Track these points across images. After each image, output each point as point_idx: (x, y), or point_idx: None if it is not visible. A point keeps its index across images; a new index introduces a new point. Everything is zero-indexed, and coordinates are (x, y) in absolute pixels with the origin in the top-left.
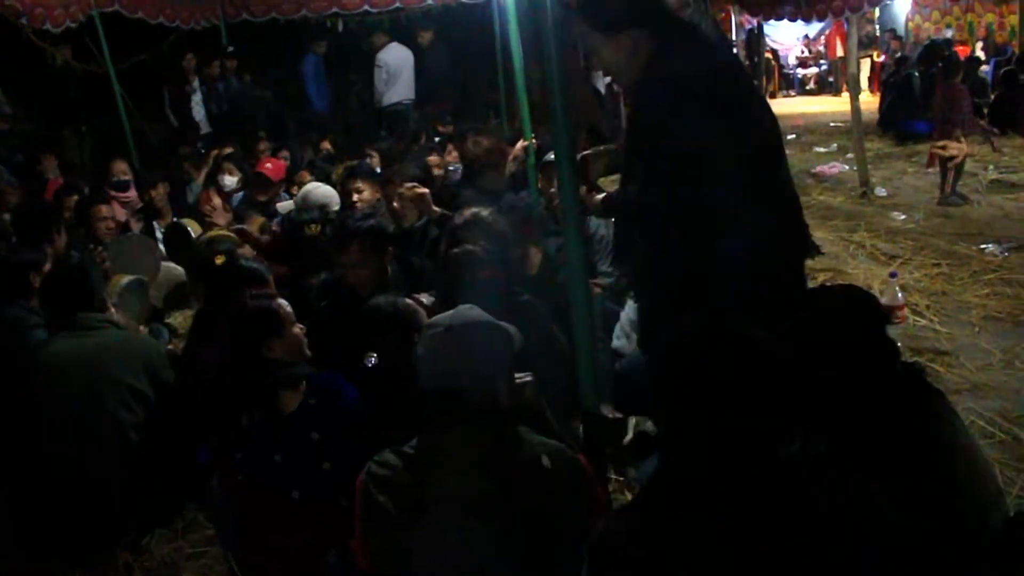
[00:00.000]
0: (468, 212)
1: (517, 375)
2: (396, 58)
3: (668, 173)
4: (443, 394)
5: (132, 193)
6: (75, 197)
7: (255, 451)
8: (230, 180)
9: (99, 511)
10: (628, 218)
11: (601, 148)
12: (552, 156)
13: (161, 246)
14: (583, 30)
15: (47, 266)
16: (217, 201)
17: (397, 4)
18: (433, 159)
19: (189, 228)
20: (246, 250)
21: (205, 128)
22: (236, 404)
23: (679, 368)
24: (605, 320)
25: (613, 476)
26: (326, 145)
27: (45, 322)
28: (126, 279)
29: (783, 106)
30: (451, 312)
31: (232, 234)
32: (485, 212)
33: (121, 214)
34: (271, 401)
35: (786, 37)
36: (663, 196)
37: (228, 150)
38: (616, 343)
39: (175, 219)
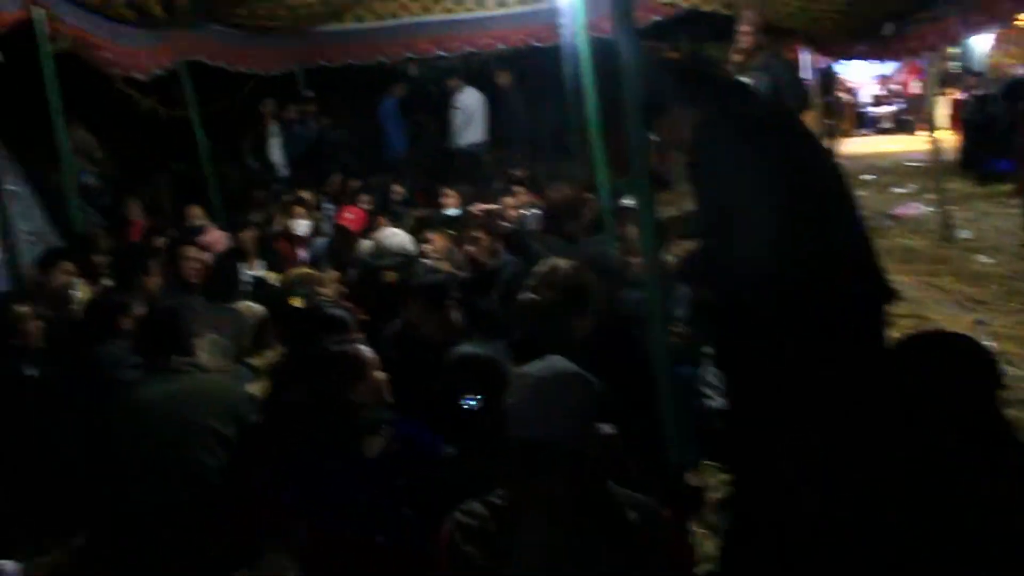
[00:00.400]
0: (548, 264)
1: (603, 426)
2: (471, 101)
3: (722, 227)
4: (530, 445)
5: (210, 237)
6: (163, 239)
7: (339, 495)
8: (302, 224)
9: (181, 553)
10: (700, 279)
11: (678, 214)
12: (626, 201)
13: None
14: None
15: (137, 307)
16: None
17: (470, 48)
18: (508, 201)
19: (269, 279)
20: (328, 289)
21: (283, 171)
22: (321, 448)
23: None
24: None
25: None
26: (399, 189)
27: (135, 363)
28: (210, 336)
29: (857, 146)
30: (540, 362)
31: (312, 272)
32: (563, 264)
33: (206, 257)
34: (356, 445)
35: (860, 75)
36: (722, 252)
37: (303, 194)
38: (709, 403)
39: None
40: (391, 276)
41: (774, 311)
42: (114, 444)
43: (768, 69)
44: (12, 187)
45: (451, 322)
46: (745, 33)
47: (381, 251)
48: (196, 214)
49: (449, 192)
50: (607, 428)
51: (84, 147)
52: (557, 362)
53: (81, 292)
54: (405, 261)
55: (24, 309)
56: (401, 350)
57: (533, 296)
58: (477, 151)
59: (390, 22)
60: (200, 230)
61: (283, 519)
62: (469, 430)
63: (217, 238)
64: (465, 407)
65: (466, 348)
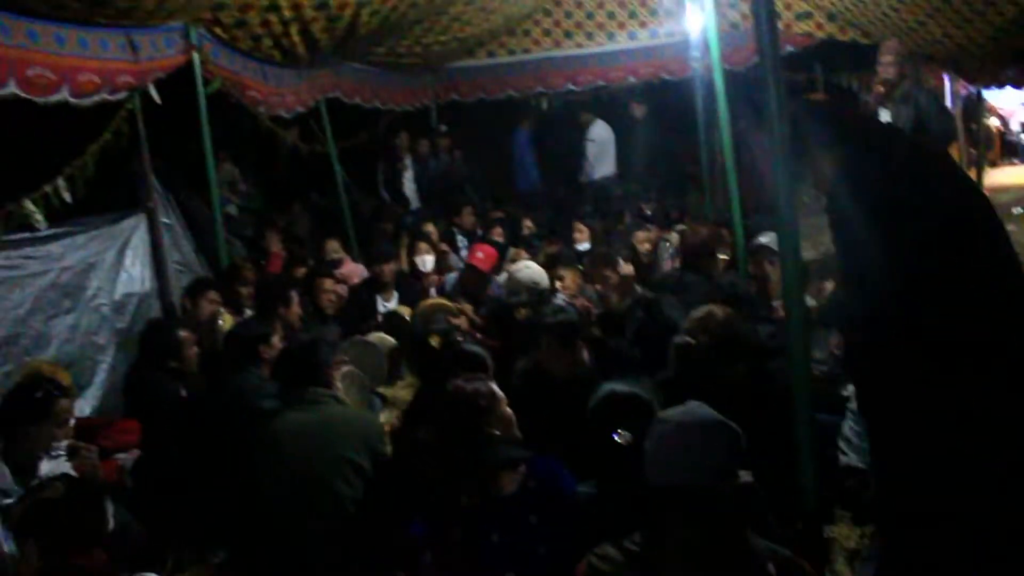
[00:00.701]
0: (704, 309)
1: (743, 474)
2: (604, 134)
3: (864, 271)
4: (668, 491)
5: (346, 269)
6: (302, 269)
7: (473, 530)
8: (428, 261)
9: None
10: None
11: (816, 255)
12: (763, 240)
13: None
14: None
15: (276, 337)
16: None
17: (600, 82)
18: (640, 235)
19: (406, 315)
20: (462, 320)
21: (415, 203)
22: (454, 482)
23: None
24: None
25: None
26: (528, 223)
27: (274, 393)
28: (345, 368)
29: (1006, 176)
30: (681, 408)
31: (447, 303)
32: (719, 311)
33: (341, 288)
34: (491, 482)
35: (1008, 102)
36: (865, 296)
37: (428, 228)
38: (843, 459)
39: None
40: (523, 313)
41: (922, 357)
42: (255, 469)
43: (911, 99)
44: (165, 220)
45: (580, 361)
46: (888, 63)
47: (513, 286)
48: (333, 247)
49: (581, 227)
50: (747, 476)
51: (229, 179)
52: (698, 409)
53: (225, 321)
54: (537, 297)
55: (185, 334)
56: (532, 386)
57: (689, 340)
58: (607, 184)
59: (522, 57)
60: (338, 263)
61: (412, 552)
62: (613, 468)
63: (353, 270)
64: (616, 441)
65: (617, 385)
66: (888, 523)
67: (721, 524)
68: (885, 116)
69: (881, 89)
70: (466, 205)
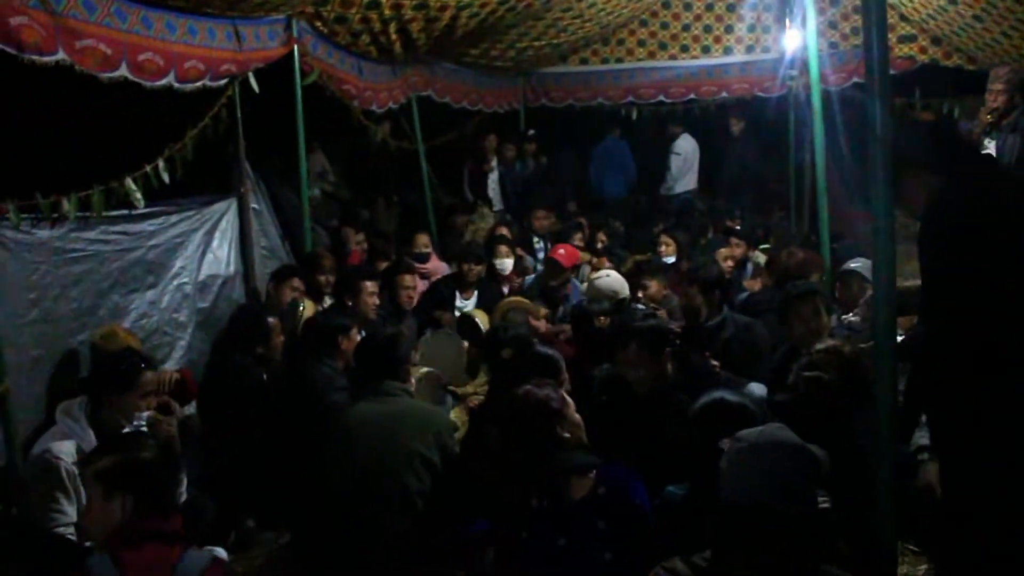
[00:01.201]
0: (830, 344)
1: (820, 500)
2: (688, 148)
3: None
4: (739, 511)
5: (432, 265)
6: (384, 263)
7: (539, 532)
8: (504, 263)
9: (380, 567)
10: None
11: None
12: (853, 264)
13: None
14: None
15: (355, 330)
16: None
17: (692, 95)
18: (722, 252)
19: (478, 320)
20: (540, 323)
21: (497, 205)
22: (523, 485)
23: None
24: None
25: None
26: (617, 225)
27: (345, 386)
28: (424, 369)
29: None
30: (760, 429)
31: (526, 301)
32: (845, 347)
33: (420, 285)
34: (562, 486)
35: None
36: (946, 330)
37: (502, 231)
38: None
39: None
40: (603, 321)
41: (1007, 402)
42: (325, 457)
43: (1020, 129)
44: (254, 205)
45: (664, 371)
46: (998, 91)
47: (594, 293)
48: (424, 241)
49: (667, 240)
50: (824, 502)
51: (319, 170)
52: (778, 431)
53: (305, 308)
54: (618, 305)
55: (274, 321)
56: (611, 394)
57: (822, 375)
58: (690, 198)
59: (614, 66)
60: (426, 257)
61: (473, 550)
62: (709, 474)
63: (438, 267)
64: (717, 447)
65: (726, 393)
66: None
67: (789, 547)
68: (990, 146)
69: (988, 118)
70: (544, 209)
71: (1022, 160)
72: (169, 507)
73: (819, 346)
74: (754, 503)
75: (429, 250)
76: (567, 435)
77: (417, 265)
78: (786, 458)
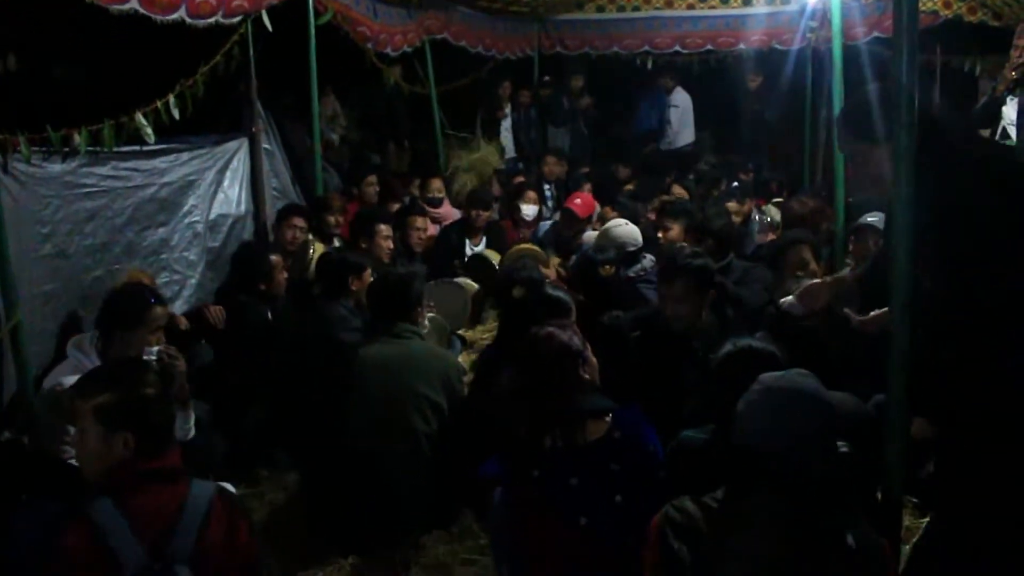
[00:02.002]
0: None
1: (840, 444)
2: (685, 101)
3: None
4: (750, 454)
5: (444, 210)
6: (396, 205)
7: (552, 472)
8: (530, 209)
9: (387, 506)
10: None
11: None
12: (869, 219)
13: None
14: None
15: (368, 272)
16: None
17: (709, 46)
18: (732, 206)
19: (493, 261)
20: (550, 271)
21: (510, 152)
22: (538, 424)
23: None
24: None
25: None
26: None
27: (358, 327)
28: (429, 315)
29: None
30: (780, 373)
31: (537, 249)
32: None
33: (432, 228)
34: (578, 428)
35: None
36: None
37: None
38: None
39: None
40: (609, 270)
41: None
42: (335, 396)
43: None
44: (266, 146)
45: (702, 310)
46: (1022, 47)
47: (604, 241)
48: (437, 186)
49: (679, 189)
50: (843, 447)
51: (331, 113)
52: (797, 376)
53: (316, 250)
54: (624, 255)
55: (276, 258)
56: (646, 328)
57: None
58: (692, 151)
59: (631, 15)
60: (440, 201)
61: (478, 488)
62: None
63: (450, 211)
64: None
65: (754, 341)
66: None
67: (798, 492)
68: (1012, 104)
69: (1012, 75)
70: (553, 155)
71: None
72: (170, 443)
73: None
74: (765, 446)
75: (443, 195)
76: (587, 377)
77: (430, 209)
78: (800, 404)
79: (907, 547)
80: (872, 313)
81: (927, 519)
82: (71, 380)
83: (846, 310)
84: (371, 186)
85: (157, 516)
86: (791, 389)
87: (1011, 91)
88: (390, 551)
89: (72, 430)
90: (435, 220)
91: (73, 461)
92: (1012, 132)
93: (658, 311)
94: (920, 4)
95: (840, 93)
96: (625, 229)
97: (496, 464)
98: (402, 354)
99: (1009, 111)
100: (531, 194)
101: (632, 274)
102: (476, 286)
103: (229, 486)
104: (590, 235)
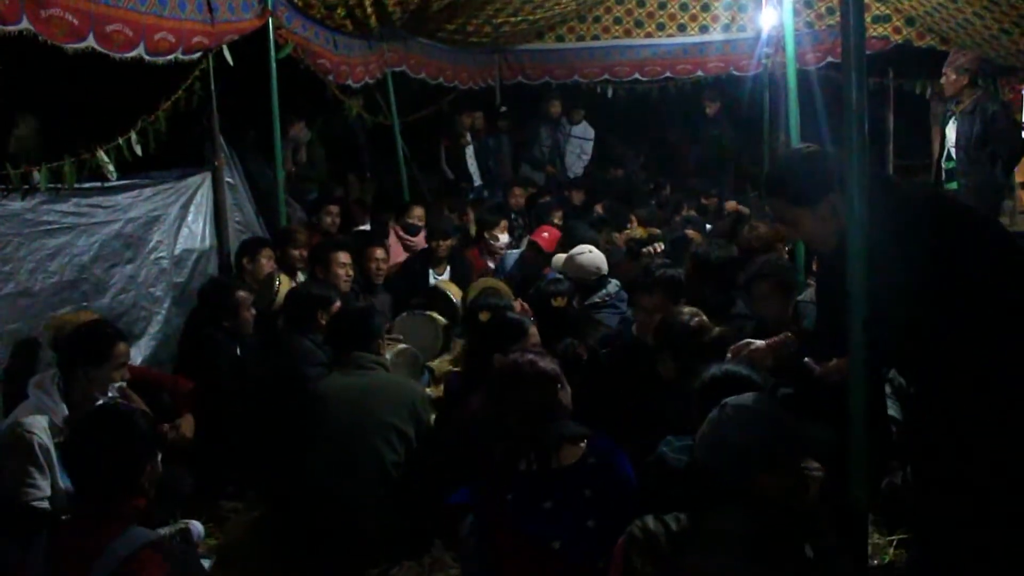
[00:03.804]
0: None
1: (811, 467)
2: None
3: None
4: (702, 471)
5: (419, 239)
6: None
7: (526, 495)
8: (503, 238)
9: (355, 537)
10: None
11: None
12: None
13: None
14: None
15: (336, 304)
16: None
17: (668, 74)
18: (692, 233)
19: (449, 293)
20: (517, 303)
21: (477, 180)
22: (513, 448)
23: None
24: None
25: None
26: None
27: (324, 361)
28: (400, 346)
29: None
30: (747, 395)
31: (501, 285)
32: None
33: (400, 256)
34: (552, 452)
35: None
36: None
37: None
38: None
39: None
40: (560, 301)
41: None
42: (300, 430)
43: (979, 113)
44: (229, 179)
45: None
46: (950, 82)
47: (573, 269)
48: (418, 214)
49: (632, 217)
50: (813, 469)
51: (306, 140)
52: (754, 398)
53: (282, 283)
54: (574, 285)
55: (243, 295)
56: (616, 346)
57: None
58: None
59: (590, 44)
60: (418, 229)
61: (447, 518)
62: None
63: (422, 241)
64: None
65: (730, 366)
66: (924, 523)
67: (751, 510)
68: (952, 126)
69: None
70: (519, 186)
71: (980, 140)
72: (113, 487)
73: None
74: (712, 461)
75: (422, 223)
76: (564, 402)
77: (406, 237)
78: (743, 421)
79: (874, 563)
80: (832, 362)
81: (894, 535)
82: (32, 420)
83: (806, 360)
84: (330, 215)
85: (73, 554)
86: (742, 407)
87: (954, 115)
88: None
89: (34, 471)
90: (409, 248)
91: (35, 504)
92: (955, 154)
93: (622, 331)
94: (871, 30)
95: (796, 117)
96: (588, 257)
97: (465, 494)
98: (368, 384)
99: (951, 133)
100: (504, 223)
101: (598, 299)
102: (441, 320)
103: (197, 524)
104: (559, 259)
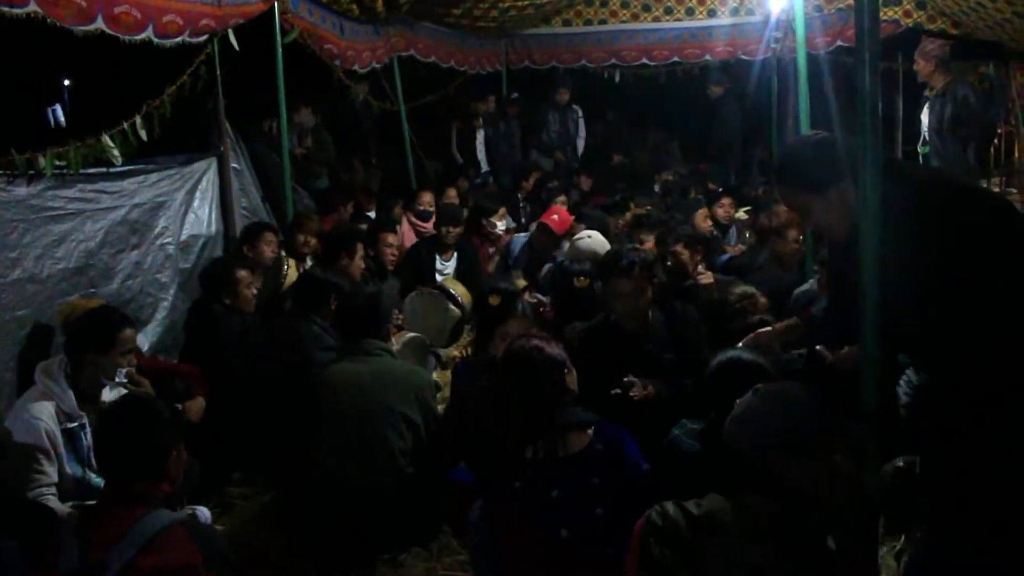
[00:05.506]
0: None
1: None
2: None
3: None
4: (729, 456)
5: (431, 224)
6: (365, 224)
7: (534, 483)
8: (500, 226)
9: (363, 524)
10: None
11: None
12: None
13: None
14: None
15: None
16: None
17: (675, 58)
18: (701, 213)
19: (452, 290)
20: (526, 294)
21: (484, 166)
22: (521, 435)
23: None
24: None
25: None
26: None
27: (332, 345)
28: (409, 335)
29: None
30: (777, 383)
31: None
32: None
33: (411, 240)
34: (561, 440)
35: None
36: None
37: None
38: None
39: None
40: (583, 281)
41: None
42: (309, 415)
43: (949, 96)
44: (235, 165)
45: (649, 306)
46: (917, 63)
47: (575, 255)
48: (428, 200)
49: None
50: (843, 463)
51: (311, 124)
52: (791, 386)
53: (290, 267)
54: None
55: (243, 273)
56: (586, 334)
57: None
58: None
59: (597, 28)
60: (429, 215)
61: (460, 502)
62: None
63: (431, 228)
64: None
65: (740, 352)
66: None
67: (774, 496)
68: (927, 111)
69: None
70: (530, 171)
71: (952, 123)
72: (140, 472)
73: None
74: (737, 448)
75: (433, 209)
76: (572, 388)
77: (418, 223)
78: (773, 408)
79: (883, 550)
80: (844, 350)
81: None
82: (39, 406)
83: (819, 348)
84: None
85: (103, 530)
86: (778, 395)
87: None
88: (368, 569)
89: (41, 458)
90: (421, 234)
91: (43, 491)
92: (928, 137)
93: (605, 318)
94: (882, 14)
95: (806, 101)
96: (587, 242)
97: (465, 472)
98: (375, 371)
99: (925, 118)
100: (502, 210)
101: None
102: (458, 312)
103: (204, 510)
104: (563, 247)
